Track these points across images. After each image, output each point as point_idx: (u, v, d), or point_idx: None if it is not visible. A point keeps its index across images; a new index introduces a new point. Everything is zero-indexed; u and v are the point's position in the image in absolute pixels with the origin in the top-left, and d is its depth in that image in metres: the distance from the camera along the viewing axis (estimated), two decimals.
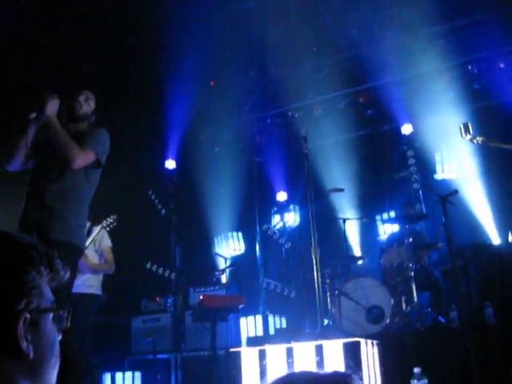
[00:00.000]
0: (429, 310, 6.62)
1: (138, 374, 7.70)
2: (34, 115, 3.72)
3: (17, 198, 4.05)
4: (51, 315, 1.08)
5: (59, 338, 1.10)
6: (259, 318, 7.95)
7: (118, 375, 7.69)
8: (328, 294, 7.04)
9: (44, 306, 1.06)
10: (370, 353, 3.66)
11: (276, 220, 9.46)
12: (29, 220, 3.67)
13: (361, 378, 1.16)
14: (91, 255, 5.81)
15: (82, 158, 3.71)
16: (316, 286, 4.20)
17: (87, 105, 4.04)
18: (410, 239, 6.92)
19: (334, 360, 3.36)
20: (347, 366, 3.22)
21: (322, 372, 1.12)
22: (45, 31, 8.19)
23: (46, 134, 3.97)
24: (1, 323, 0.98)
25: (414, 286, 6.57)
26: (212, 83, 10.06)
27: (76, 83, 8.45)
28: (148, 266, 8.67)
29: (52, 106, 3.75)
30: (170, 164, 10.10)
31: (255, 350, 3.53)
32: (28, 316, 1.01)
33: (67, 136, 3.75)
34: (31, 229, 3.60)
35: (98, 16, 8.20)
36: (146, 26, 8.55)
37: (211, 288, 8.04)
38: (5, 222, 6.82)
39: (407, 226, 7.14)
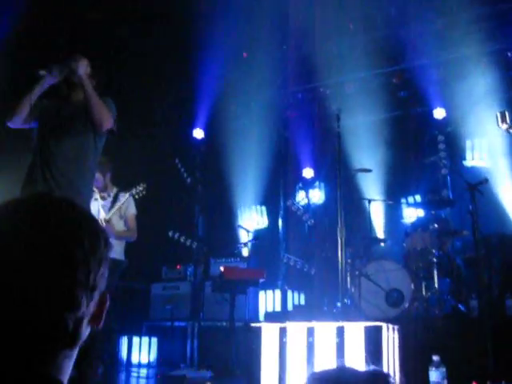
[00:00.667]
0: (449, 297, 6.59)
1: (154, 340, 7.81)
2: (43, 72, 3.69)
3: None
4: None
5: None
6: (278, 292, 7.99)
7: (135, 339, 7.81)
8: (348, 273, 7.03)
9: None
10: (390, 338, 3.65)
11: (301, 196, 9.42)
12: (40, 182, 3.65)
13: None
14: (116, 221, 5.84)
15: (110, 122, 3.73)
16: (340, 266, 4.18)
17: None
18: (435, 225, 6.86)
19: (355, 343, 3.36)
20: (366, 359, 3.21)
21: (361, 370, 1.13)
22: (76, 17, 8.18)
23: (54, 99, 3.96)
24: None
25: (435, 272, 6.53)
26: (244, 55, 9.98)
27: (108, 48, 8.47)
28: (170, 233, 8.73)
29: (82, 66, 3.74)
30: (198, 133, 10.10)
31: (276, 327, 3.54)
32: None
33: (100, 100, 3.74)
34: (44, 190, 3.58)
35: None
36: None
37: (232, 260, 8.08)
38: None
39: (433, 212, 7.07)
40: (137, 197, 5.82)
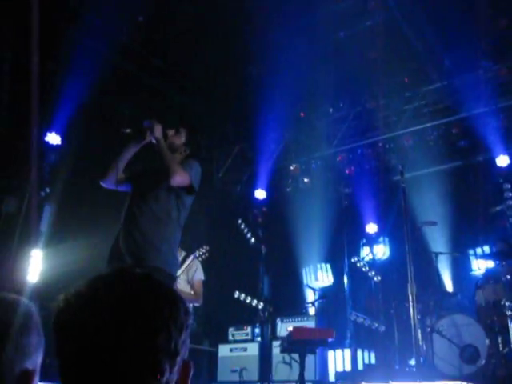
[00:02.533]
0: None
1: None
2: (129, 130, 3.92)
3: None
4: None
5: None
6: (347, 351, 7.83)
7: None
8: (419, 330, 6.84)
9: None
10: None
11: (365, 252, 9.32)
12: (122, 245, 3.78)
13: None
14: (183, 284, 5.92)
15: (181, 176, 3.83)
16: (412, 323, 4.08)
17: (177, 138, 4.14)
18: (508, 276, 6.63)
19: None
20: None
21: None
22: (144, 64, 8.57)
23: (146, 163, 4.19)
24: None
25: (511, 326, 6.27)
26: (302, 114, 10.14)
27: (169, 114, 8.79)
28: (236, 294, 8.75)
29: (158, 129, 3.93)
30: (260, 194, 10.22)
31: None
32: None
33: (172, 156, 3.93)
34: (124, 254, 3.73)
35: (188, 50, 8.50)
36: (238, 58, 8.77)
37: (299, 319, 8.00)
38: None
39: (504, 263, 6.86)
40: (200, 259, 5.90)
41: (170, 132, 4.10)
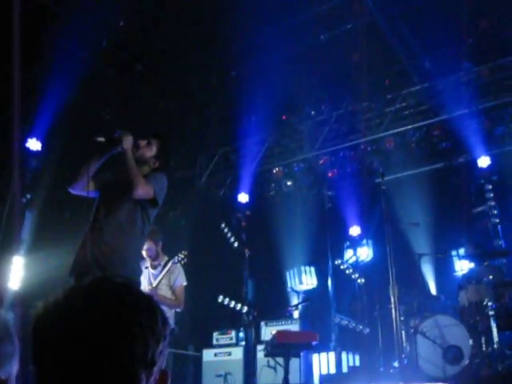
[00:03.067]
0: (511, 351, 6.33)
1: None
2: (101, 139, 3.91)
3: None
4: None
5: None
6: (332, 354, 7.82)
7: None
8: (403, 331, 6.84)
9: None
10: None
11: (349, 255, 9.33)
12: (88, 253, 3.79)
13: None
14: (164, 289, 5.89)
15: (144, 189, 3.85)
16: (394, 324, 4.08)
17: (148, 149, 4.14)
18: (490, 276, 6.67)
19: None
20: None
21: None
22: (125, 68, 8.53)
23: (115, 172, 4.19)
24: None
25: (494, 326, 6.30)
26: (284, 117, 10.15)
27: (150, 119, 8.77)
28: (220, 298, 8.72)
29: (128, 141, 3.92)
30: (243, 197, 10.20)
31: None
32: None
33: (138, 169, 3.92)
34: (90, 263, 3.75)
35: (169, 54, 8.48)
36: (219, 62, 8.77)
37: (283, 322, 7.98)
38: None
39: (486, 263, 6.90)
40: (179, 265, 5.87)
41: (142, 143, 4.10)
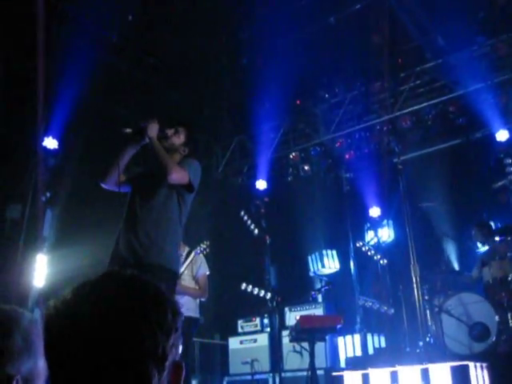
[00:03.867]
0: None
1: None
2: (128, 130, 3.90)
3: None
4: None
5: None
6: (357, 337, 7.82)
7: None
8: (428, 311, 6.83)
9: None
10: (479, 377, 3.50)
11: (370, 236, 9.29)
12: (124, 246, 3.81)
13: None
14: (188, 280, 5.91)
15: (179, 173, 3.82)
16: (417, 304, 4.07)
17: (176, 137, 4.14)
18: None
19: None
20: None
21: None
22: (137, 62, 8.55)
23: (146, 164, 4.20)
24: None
25: None
26: (298, 102, 10.11)
27: (165, 110, 8.78)
28: (243, 286, 8.76)
29: (153, 129, 3.90)
30: (261, 184, 10.19)
31: (358, 374, 3.46)
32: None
33: (167, 154, 3.90)
34: (126, 255, 3.77)
35: (180, 46, 8.47)
36: (230, 50, 8.75)
37: (307, 307, 7.99)
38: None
39: (509, 238, 6.83)
40: (201, 255, 5.89)
41: (170, 132, 4.09)
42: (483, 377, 3.59)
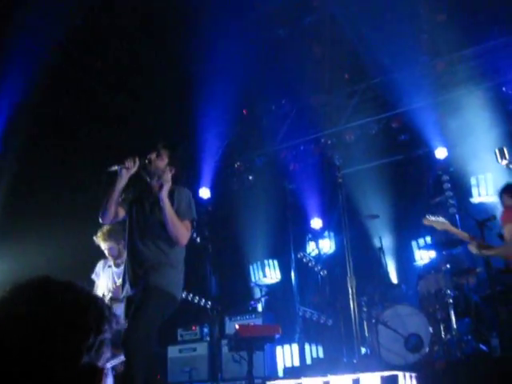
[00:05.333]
0: (469, 337, 6.47)
1: None
2: (114, 168, 4.07)
3: None
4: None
5: None
6: (295, 346, 7.87)
7: None
8: (365, 322, 6.95)
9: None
10: None
11: (311, 247, 9.39)
12: (133, 277, 4.07)
13: None
14: None
15: (187, 236, 4.07)
16: (353, 315, 4.15)
17: (160, 160, 4.24)
18: (448, 265, 6.79)
19: None
20: None
21: None
22: (83, 66, 8.43)
23: (139, 193, 4.35)
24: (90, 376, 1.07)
25: (452, 313, 6.42)
26: (244, 111, 10.16)
27: (110, 116, 8.69)
28: (184, 294, 8.69)
29: (131, 166, 4.10)
30: (204, 193, 10.16)
31: (292, 383, 3.50)
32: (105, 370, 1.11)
33: (175, 215, 4.02)
34: (133, 284, 4.05)
35: (133, 52, 8.41)
36: (179, 57, 8.71)
37: (247, 316, 8.01)
38: None
39: (444, 252, 7.03)
40: None
41: (152, 156, 4.20)
42: None
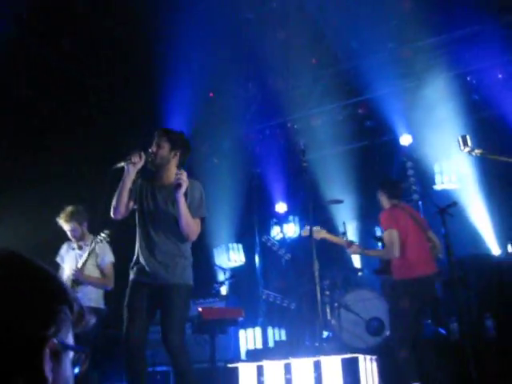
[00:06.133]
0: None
1: None
2: (120, 165, 4.13)
3: None
4: (70, 355, 1.09)
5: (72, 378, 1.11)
6: (258, 330, 7.91)
7: None
8: (328, 305, 7.02)
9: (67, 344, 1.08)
10: (368, 368, 3.64)
11: (276, 231, 9.43)
12: (146, 264, 4.16)
13: None
14: (92, 269, 5.80)
15: (197, 233, 4.20)
16: (316, 298, 4.19)
17: (161, 150, 4.24)
18: None
19: (333, 376, 3.34)
20: None
21: None
22: (45, 43, 8.24)
23: (151, 184, 4.34)
24: (29, 346, 0.99)
25: None
26: (211, 95, 10.08)
27: (75, 96, 8.53)
28: None
29: (139, 159, 4.15)
30: None
31: (253, 366, 3.51)
32: (55, 342, 1.02)
33: (189, 215, 4.12)
34: (148, 273, 4.14)
35: (96, 30, 8.25)
36: (143, 39, 8.57)
37: (210, 300, 8.00)
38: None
39: None
40: (106, 244, 5.77)
41: (153, 148, 4.23)
42: (372, 368, 3.74)
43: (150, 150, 4.22)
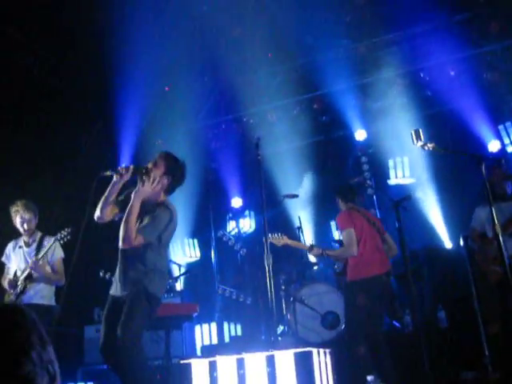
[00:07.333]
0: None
1: None
2: (108, 173, 4.18)
3: None
4: None
5: None
6: (214, 325, 7.88)
7: None
8: (283, 300, 7.03)
9: None
10: (322, 362, 3.63)
11: (231, 226, 9.39)
12: (119, 277, 4.30)
13: None
14: (45, 266, 5.68)
15: (127, 243, 4.10)
16: (269, 293, 4.17)
17: (156, 169, 4.26)
18: None
19: (286, 370, 3.33)
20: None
21: None
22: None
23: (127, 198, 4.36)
24: None
25: None
26: (167, 89, 9.96)
27: (24, 87, 8.31)
28: (101, 274, 8.52)
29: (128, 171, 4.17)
30: None
31: (206, 362, 3.48)
32: None
33: (133, 219, 4.10)
34: (119, 285, 4.27)
35: (48, 21, 8.05)
36: (96, 31, 8.40)
37: (165, 295, 7.92)
38: None
39: None
40: (62, 242, 5.65)
41: (150, 165, 4.26)
42: (326, 362, 3.74)
43: (146, 166, 4.29)
